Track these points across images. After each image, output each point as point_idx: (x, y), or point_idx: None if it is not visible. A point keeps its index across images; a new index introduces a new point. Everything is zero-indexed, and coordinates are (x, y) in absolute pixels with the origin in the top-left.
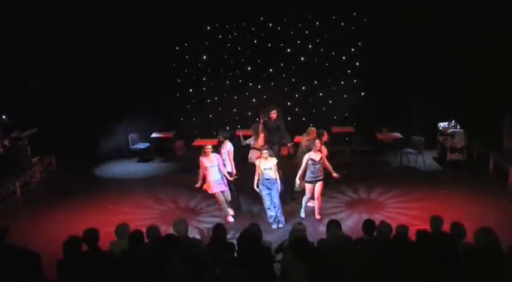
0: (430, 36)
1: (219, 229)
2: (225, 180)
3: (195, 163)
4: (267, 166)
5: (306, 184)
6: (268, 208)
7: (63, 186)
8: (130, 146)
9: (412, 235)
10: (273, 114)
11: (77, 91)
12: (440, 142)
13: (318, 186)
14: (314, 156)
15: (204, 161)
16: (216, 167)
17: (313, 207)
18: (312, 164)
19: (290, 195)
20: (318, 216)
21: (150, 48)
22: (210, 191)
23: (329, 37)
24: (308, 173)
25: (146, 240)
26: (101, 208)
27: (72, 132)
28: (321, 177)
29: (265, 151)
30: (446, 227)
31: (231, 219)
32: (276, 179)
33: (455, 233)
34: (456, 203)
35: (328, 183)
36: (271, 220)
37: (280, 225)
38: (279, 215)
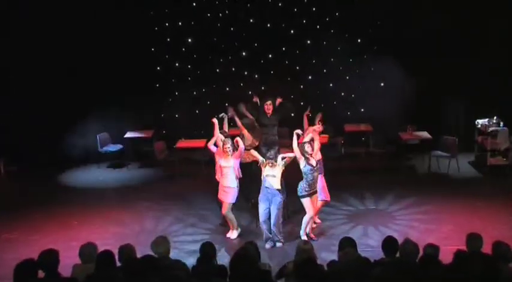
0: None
1: (208, 248)
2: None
3: (179, 168)
4: (269, 173)
5: (303, 200)
6: (264, 221)
7: (13, 198)
8: (99, 148)
9: (443, 257)
10: (269, 106)
11: (32, 81)
12: (479, 143)
13: (315, 199)
14: (312, 161)
15: (222, 161)
16: (231, 169)
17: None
18: (310, 170)
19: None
20: (312, 235)
21: (123, 29)
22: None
23: (341, 15)
24: (304, 184)
25: (118, 264)
26: (62, 224)
27: (25, 132)
28: (316, 189)
29: (271, 160)
30: (487, 248)
31: (234, 235)
32: (278, 191)
33: (498, 254)
34: (498, 217)
35: (338, 192)
36: (264, 237)
37: (278, 244)
38: (274, 233)
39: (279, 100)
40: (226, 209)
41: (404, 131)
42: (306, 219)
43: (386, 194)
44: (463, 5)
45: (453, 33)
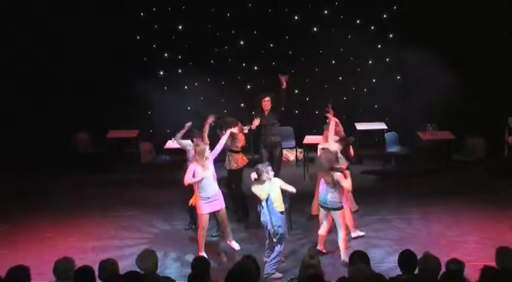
0: None
1: (200, 263)
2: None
3: (168, 172)
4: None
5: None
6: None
7: None
8: (79, 150)
9: (469, 274)
10: (266, 102)
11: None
12: (510, 144)
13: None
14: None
15: (200, 170)
16: (213, 177)
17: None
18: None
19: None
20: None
21: (104, 14)
22: (199, 211)
23: None
24: (339, 194)
25: (99, 281)
26: (34, 236)
27: None
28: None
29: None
30: None
31: (236, 245)
32: None
33: None
34: None
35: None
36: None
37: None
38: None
39: (286, 79)
40: (226, 216)
41: (423, 131)
42: (342, 237)
43: (402, 201)
44: None
45: (481, 21)
